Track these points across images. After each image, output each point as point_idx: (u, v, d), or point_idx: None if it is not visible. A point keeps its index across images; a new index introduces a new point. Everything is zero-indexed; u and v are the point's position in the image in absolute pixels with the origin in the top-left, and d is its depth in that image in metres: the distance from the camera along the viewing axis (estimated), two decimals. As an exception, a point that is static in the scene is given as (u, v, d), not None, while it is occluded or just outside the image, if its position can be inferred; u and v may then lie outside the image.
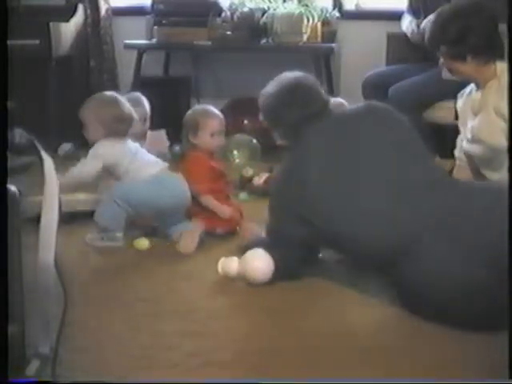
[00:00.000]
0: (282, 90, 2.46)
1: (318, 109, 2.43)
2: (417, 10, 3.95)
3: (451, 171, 3.10)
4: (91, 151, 2.86)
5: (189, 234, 2.81)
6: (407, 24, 3.97)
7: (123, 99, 2.96)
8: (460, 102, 3.03)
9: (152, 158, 2.96)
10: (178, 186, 2.88)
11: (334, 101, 3.29)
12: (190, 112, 3.18)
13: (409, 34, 3.94)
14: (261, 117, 2.59)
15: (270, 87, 2.51)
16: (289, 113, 2.43)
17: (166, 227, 2.89)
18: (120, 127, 2.86)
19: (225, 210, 2.97)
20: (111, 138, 2.85)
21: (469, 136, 2.92)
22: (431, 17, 3.20)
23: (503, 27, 2.69)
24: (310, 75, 2.58)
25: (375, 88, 3.89)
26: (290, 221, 2.36)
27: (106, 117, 2.85)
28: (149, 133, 3.63)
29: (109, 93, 3.06)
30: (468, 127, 2.93)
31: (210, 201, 2.98)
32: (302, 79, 2.49)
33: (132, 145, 2.93)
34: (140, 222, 2.93)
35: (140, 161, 2.88)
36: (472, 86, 2.95)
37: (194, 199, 2.97)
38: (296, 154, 2.42)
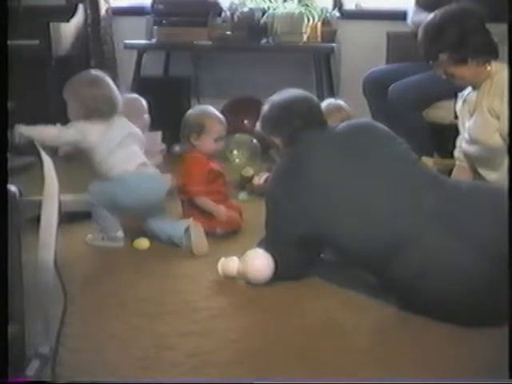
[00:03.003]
0: (288, 100, 2.52)
1: (319, 120, 2.49)
2: (428, 3, 3.82)
3: (451, 171, 3.10)
4: (72, 123, 2.73)
5: (198, 236, 2.77)
6: (414, 16, 3.84)
7: (107, 79, 2.83)
8: (459, 103, 3.03)
9: (133, 151, 2.80)
10: (148, 184, 2.78)
11: (334, 103, 3.29)
12: (192, 112, 3.12)
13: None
14: (258, 126, 2.62)
15: (275, 97, 2.56)
16: (291, 120, 2.46)
17: (144, 223, 2.85)
18: (101, 108, 2.73)
19: (220, 211, 2.94)
20: (93, 119, 2.72)
21: (466, 136, 2.92)
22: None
23: (503, 27, 2.69)
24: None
25: (375, 86, 3.88)
26: (287, 220, 2.37)
27: (86, 96, 2.74)
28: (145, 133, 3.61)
29: (93, 71, 2.92)
30: (465, 127, 2.93)
31: (205, 202, 2.96)
32: (305, 94, 2.57)
33: (118, 133, 2.76)
34: (125, 221, 2.87)
35: (120, 155, 2.74)
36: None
37: (191, 201, 2.97)
38: (293, 154, 2.44)
